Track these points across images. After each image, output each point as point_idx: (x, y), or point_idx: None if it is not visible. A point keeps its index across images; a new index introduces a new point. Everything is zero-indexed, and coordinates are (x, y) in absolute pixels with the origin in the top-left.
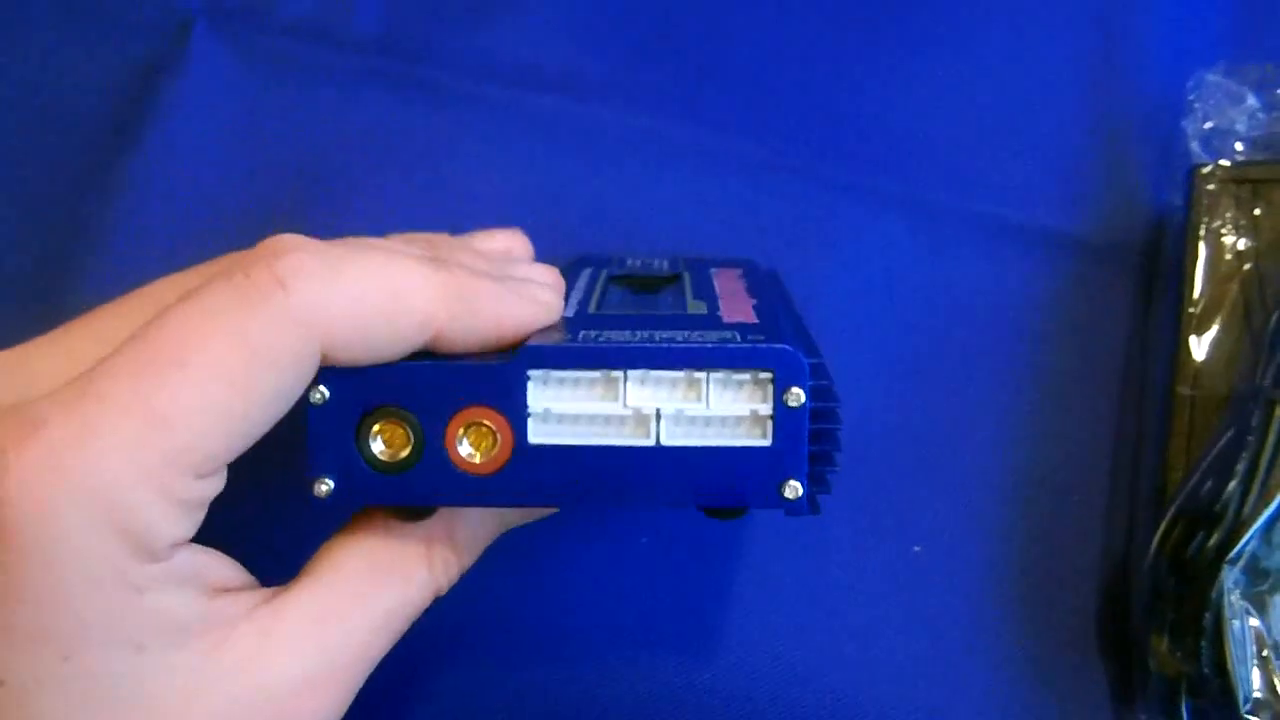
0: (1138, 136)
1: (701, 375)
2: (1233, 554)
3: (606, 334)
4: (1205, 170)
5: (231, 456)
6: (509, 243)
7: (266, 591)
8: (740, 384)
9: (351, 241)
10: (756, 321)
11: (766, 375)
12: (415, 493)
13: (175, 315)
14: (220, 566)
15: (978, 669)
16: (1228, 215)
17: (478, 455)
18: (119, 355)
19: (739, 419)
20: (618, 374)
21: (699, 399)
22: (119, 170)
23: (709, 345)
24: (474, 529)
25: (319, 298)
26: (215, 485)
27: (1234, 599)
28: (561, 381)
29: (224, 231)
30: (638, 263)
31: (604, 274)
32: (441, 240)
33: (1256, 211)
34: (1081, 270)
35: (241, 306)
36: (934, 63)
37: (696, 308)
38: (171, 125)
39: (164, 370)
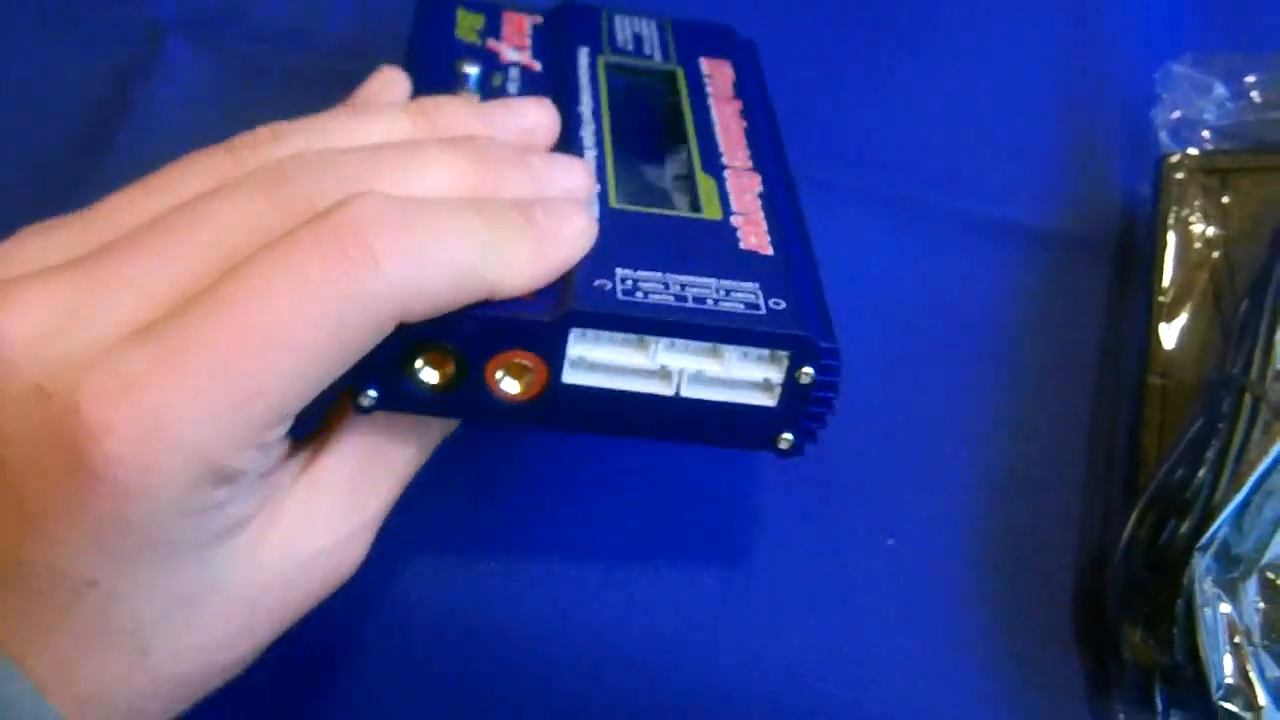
0: (1107, 128)
1: (727, 348)
2: (1204, 541)
3: (645, 293)
4: (1174, 160)
5: (298, 410)
6: (538, 117)
7: (301, 457)
8: (760, 358)
9: (438, 204)
10: (773, 256)
11: (784, 354)
12: (453, 411)
13: (267, 281)
14: (267, 452)
15: (953, 661)
16: (1197, 204)
17: (515, 388)
18: (212, 312)
19: (752, 383)
20: (652, 339)
21: (720, 364)
22: (93, 177)
23: (737, 326)
24: None
25: (408, 282)
26: (277, 439)
27: (1206, 586)
28: (598, 339)
29: None
30: (629, 44)
31: (601, 63)
32: (489, 149)
33: (1225, 200)
34: (1054, 262)
35: (337, 284)
36: (907, 61)
37: (711, 210)
38: (145, 132)
39: (260, 349)
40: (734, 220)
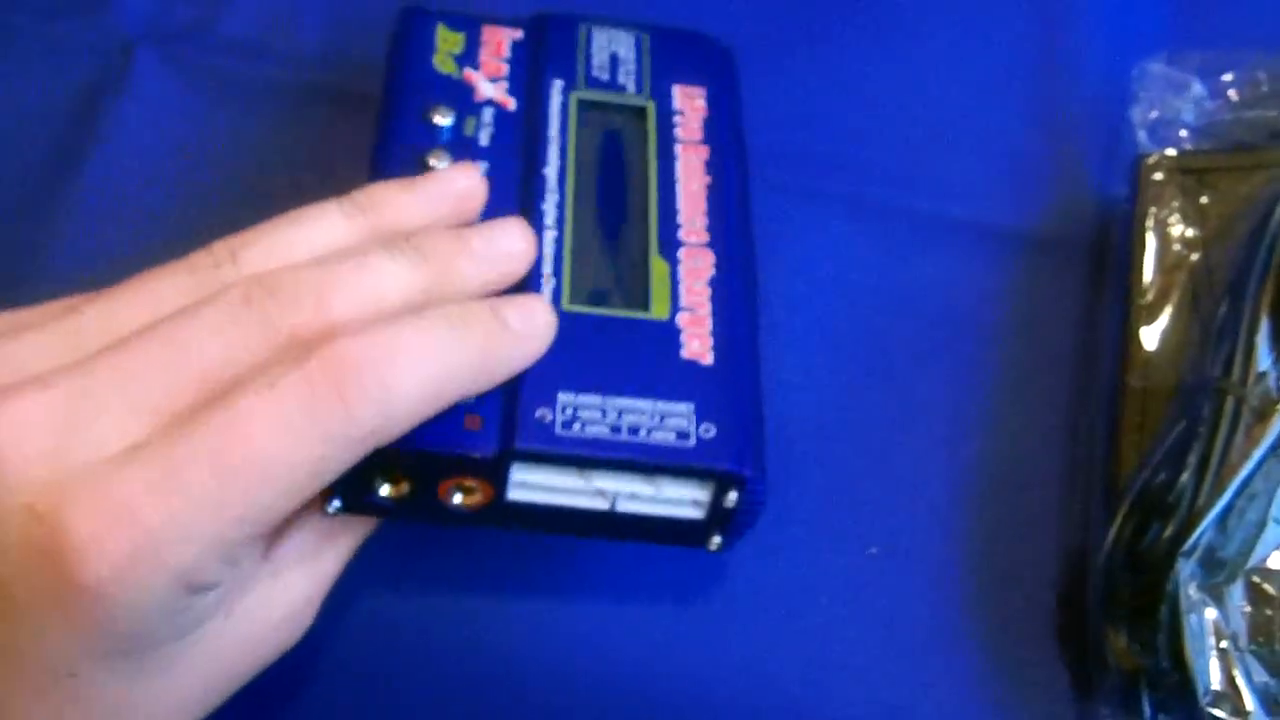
0: (1083, 128)
1: (660, 476)
2: (1187, 546)
3: (583, 423)
4: (1151, 160)
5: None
6: (467, 187)
7: (262, 540)
8: (688, 483)
9: (406, 331)
10: (712, 368)
11: (712, 482)
12: (410, 516)
13: (254, 419)
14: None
15: (937, 668)
16: (1174, 204)
17: (464, 503)
18: (201, 444)
19: (682, 502)
20: (589, 471)
21: (652, 487)
22: (64, 193)
23: (666, 460)
24: (312, 595)
25: (383, 416)
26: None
27: (1190, 591)
28: (539, 467)
29: (171, 251)
30: (604, 71)
31: (573, 102)
32: (427, 246)
33: (1203, 200)
34: (1031, 264)
35: (318, 426)
36: (877, 61)
37: (660, 307)
38: (115, 147)
39: (245, 479)
40: (680, 319)
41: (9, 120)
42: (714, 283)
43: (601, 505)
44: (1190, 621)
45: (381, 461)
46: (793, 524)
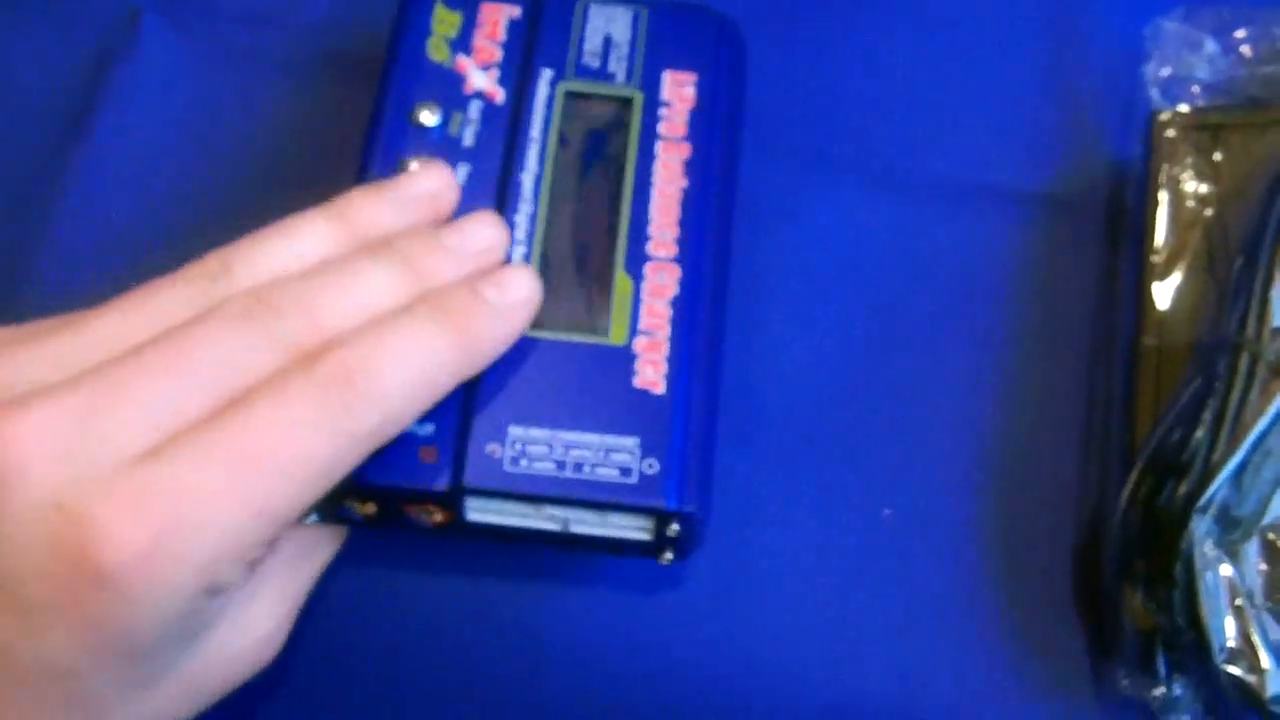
0: (1096, 87)
1: (604, 509)
2: (1202, 502)
3: (530, 460)
4: (1164, 117)
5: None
6: (436, 188)
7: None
8: (632, 515)
9: (390, 335)
10: (662, 398)
11: (653, 516)
12: (382, 529)
13: (271, 421)
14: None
15: (952, 630)
16: (1188, 162)
17: (429, 520)
18: (219, 443)
19: (628, 527)
20: (539, 503)
21: (599, 518)
22: (71, 160)
23: (608, 497)
24: (283, 615)
25: (387, 413)
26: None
27: (1206, 549)
28: (490, 499)
29: (179, 218)
30: (595, 57)
31: (560, 94)
32: (407, 250)
33: (1217, 157)
34: (1044, 226)
35: (329, 425)
36: (887, 23)
37: (619, 330)
38: (123, 114)
39: (263, 476)
40: (637, 344)
41: (17, 87)
42: (676, 302)
43: (556, 527)
44: (1206, 579)
45: (347, 488)
46: (807, 488)
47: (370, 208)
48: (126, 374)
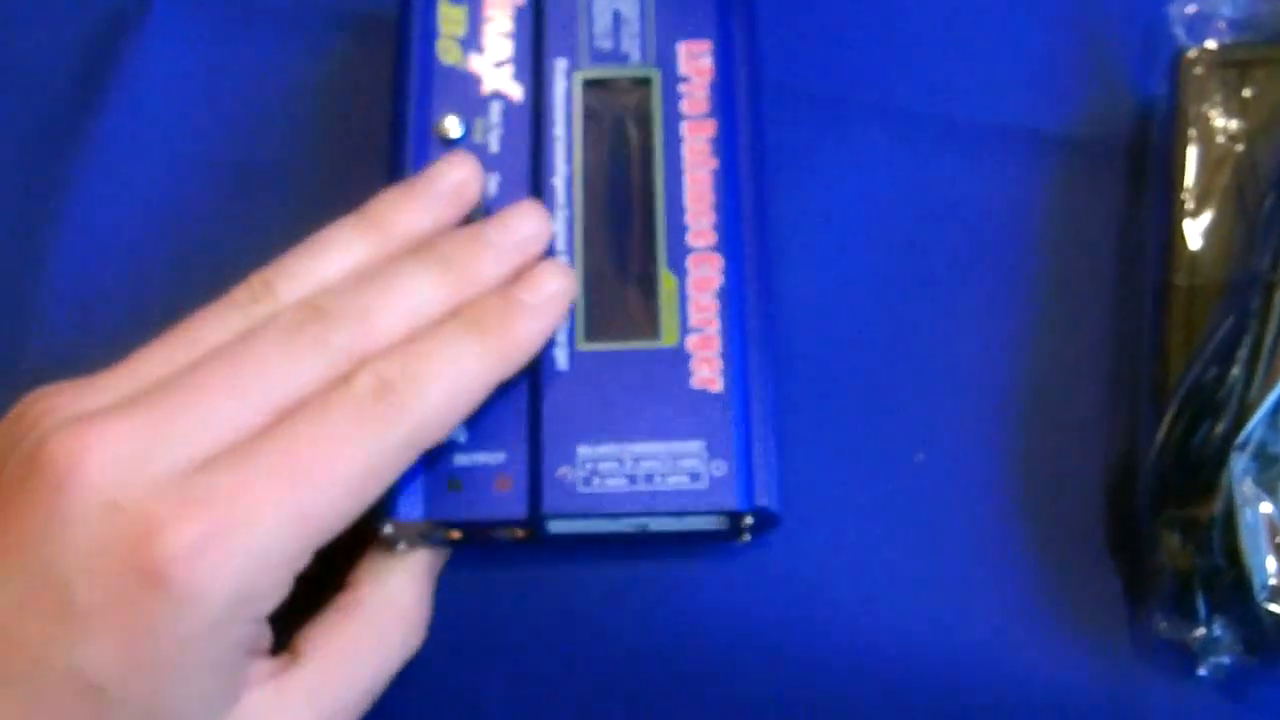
0: (1117, 26)
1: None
2: (1240, 440)
3: (602, 477)
4: (1191, 55)
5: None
6: (462, 176)
7: (273, 663)
8: (705, 516)
9: (429, 346)
10: (721, 396)
11: (726, 515)
12: (470, 547)
13: (319, 432)
14: (264, 629)
15: (985, 575)
16: (1216, 99)
17: (510, 537)
18: (266, 455)
19: (704, 522)
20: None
21: (675, 520)
22: (89, 129)
23: (682, 504)
24: (420, 590)
25: (428, 424)
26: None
27: (1245, 487)
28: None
29: (198, 186)
30: (606, 38)
31: (578, 83)
32: (448, 248)
33: (1246, 93)
34: (1067, 167)
35: (373, 437)
36: None
37: (670, 333)
38: (138, 82)
39: (306, 481)
40: (690, 343)
41: (32, 53)
42: (722, 294)
43: (635, 529)
44: (1245, 517)
45: (433, 523)
46: (837, 435)
47: (400, 209)
48: (184, 390)
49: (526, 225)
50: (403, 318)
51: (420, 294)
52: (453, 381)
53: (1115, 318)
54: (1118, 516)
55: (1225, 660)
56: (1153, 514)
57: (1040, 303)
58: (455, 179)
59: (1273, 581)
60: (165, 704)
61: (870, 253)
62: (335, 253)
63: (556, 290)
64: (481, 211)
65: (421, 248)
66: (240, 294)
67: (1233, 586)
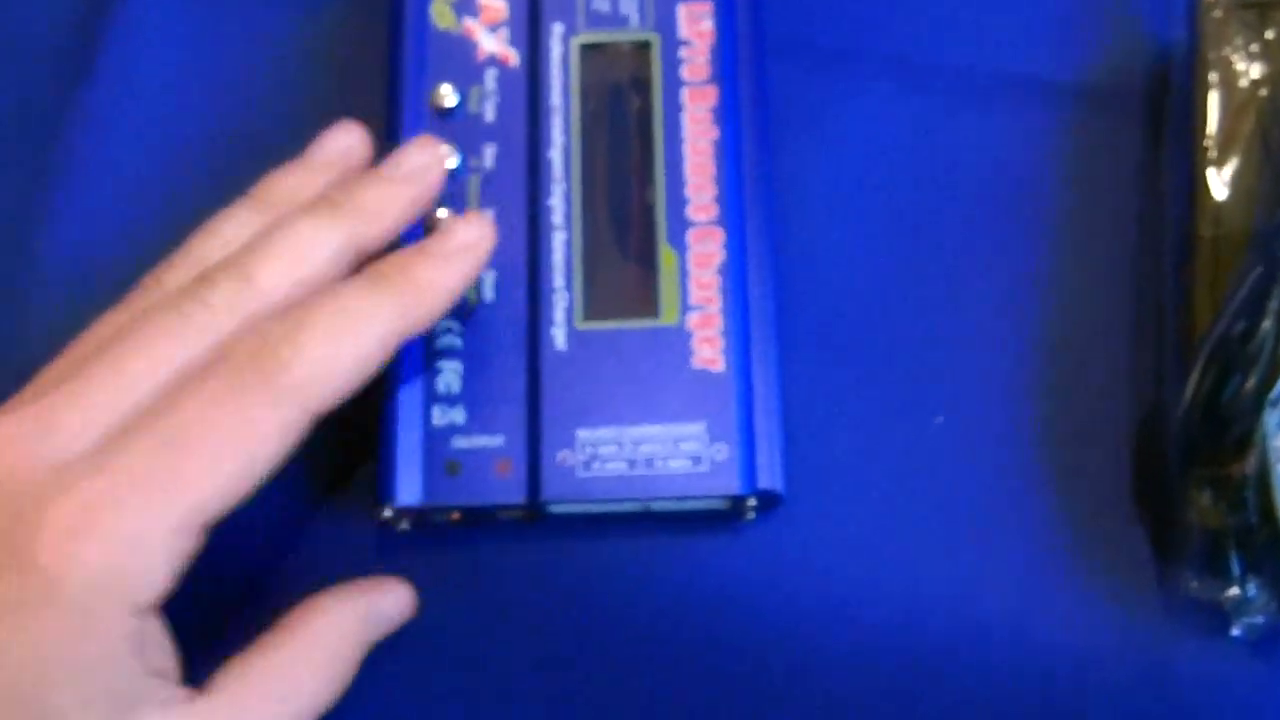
0: None
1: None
2: (1274, 395)
3: (602, 461)
4: None
5: (226, 513)
6: (422, 159)
7: (181, 691)
8: (707, 499)
9: (319, 303)
10: (723, 375)
11: (727, 498)
12: (465, 529)
13: (188, 404)
14: (165, 648)
15: (1011, 540)
16: (1237, 42)
17: (510, 518)
18: (146, 433)
19: (706, 503)
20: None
21: (679, 501)
22: (76, 102)
23: (681, 489)
24: (348, 640)
25: (306, 391)
26: (200, 543)
27: (1278, 443)
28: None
29: (191, 156)
30: (606, 2)
31: (575, 49)
32: (332, 193)
33: (1268, 35)
34: (1083, 116)
35: (246, 399)
36: None
37: (670, 311)
38: (127, 52)
39: (186, 455)
40: (690, 321)
41: (21, 24)
42: (724, 269)
43: (638, 509)
44: (1279, 473)
45: (433, 507)
46: (854, 398)
47: (285, 181)
48: (66, 385)
49: (417, 157)
50: (289, 268)
51: (307, 242)
52: (339, 336)
53: (1137, 271)
54: (1145, 475)
55: (1259, 620)
56: (1182, 472)
57: (1060, 258)
58: (340, 145)
59: None
60: (54, 704)
61: (882, 212)
62: (223, 235)
63: (467, 239)
64: (464, 198)
65: (310, 200)
66: (132, 296)
67: (1267, 545)
